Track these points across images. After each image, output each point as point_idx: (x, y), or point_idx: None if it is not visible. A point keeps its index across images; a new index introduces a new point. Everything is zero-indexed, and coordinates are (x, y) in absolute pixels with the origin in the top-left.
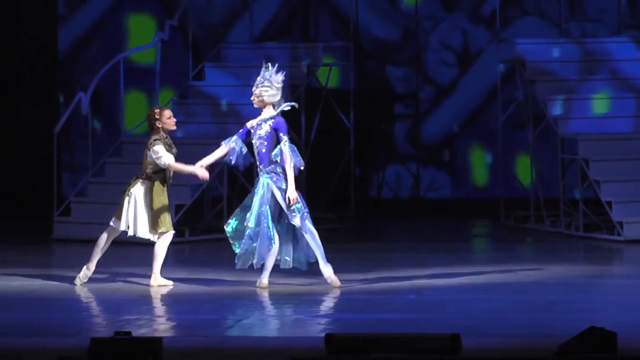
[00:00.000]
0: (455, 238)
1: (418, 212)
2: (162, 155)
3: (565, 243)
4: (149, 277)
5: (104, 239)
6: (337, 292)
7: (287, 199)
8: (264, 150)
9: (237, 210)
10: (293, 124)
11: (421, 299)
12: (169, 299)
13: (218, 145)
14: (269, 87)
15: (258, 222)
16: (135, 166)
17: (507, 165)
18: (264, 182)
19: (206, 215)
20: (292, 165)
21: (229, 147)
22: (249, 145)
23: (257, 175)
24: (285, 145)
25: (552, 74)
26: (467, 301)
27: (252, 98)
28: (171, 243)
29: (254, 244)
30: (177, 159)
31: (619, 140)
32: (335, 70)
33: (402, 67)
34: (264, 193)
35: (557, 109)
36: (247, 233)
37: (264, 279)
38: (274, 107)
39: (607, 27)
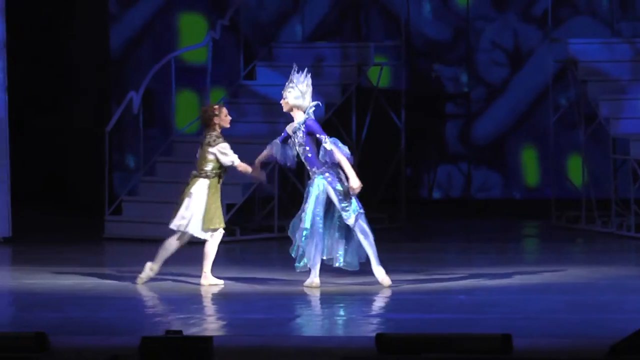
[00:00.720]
0: (506, 238)
1: (469, 213)
2: (229, 153)
3: (616, 244)
4: (200, 276)
5: (173, 245)
6: (387, 292)
7: (351, 190)
8: (310, 155)
9: (298, 213)
10: (344, 124)
11: (472, 299)
12: (220, 298)
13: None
14: (292, 88)
15: (312, 223)
16: (186, 165)
17: (559, 165)
18: (319, 184)
19: (257, 214)
20: (344, 157)
21: (270, 150)
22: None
23: (310, 177)
24: (327, 143)
25: (603, 74)
26: (518, 301)
27: (282, 101)
28: (222, 242)
29: (310, 244)
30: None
31: None
32: (387, 69)
33: (454, 67)
34: (318, 194)
35: (608, 110)
36: (304, 234)
37: (315, 278)
38: (303, 112)
39: None
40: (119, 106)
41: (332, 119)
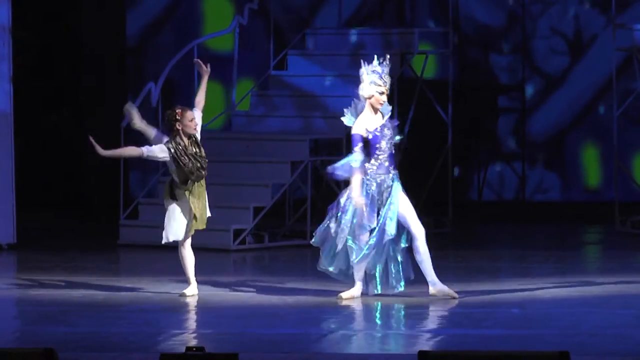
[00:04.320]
0: (564, 245)
1: (523, 217)
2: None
3: None
4: (222, 287)
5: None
6: (433, 305)
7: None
8: (393, 151)
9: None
10: None
11: (526, 312)
12: (246, 311)
13: (302, 141)
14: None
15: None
16: (210, 164)
17: (623, 164)
18: (396, 187)
19: (288, 219)
20: None
21: (360, 170)
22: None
23: (381, 179)
24: None
25: None
26: (577, 315)
27: (384, 96)
28: (249, 249)
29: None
30: (256, 155)
31: None
32: (432, 58)
33: (507, 55)
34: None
35: None
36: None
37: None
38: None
39: None
40: (137, 99)
41: None
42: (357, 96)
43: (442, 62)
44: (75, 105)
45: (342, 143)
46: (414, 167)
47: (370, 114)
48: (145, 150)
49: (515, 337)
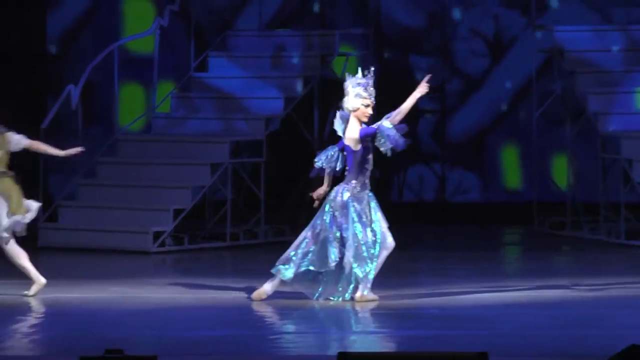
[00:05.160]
0: (484, 246)
1: (443, 218)
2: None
3: (605, 252)
4: (142, 290)
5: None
6: (353, 306)
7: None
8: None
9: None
10: (305, 120)
11: (446, 313)
12: (166, 314)
13: (222, 143)
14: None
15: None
16: (130, 166)
17: (542, 165)
18: (374, 199)
19: (208, 221)
20: None
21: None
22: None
23: (363, 188)
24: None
25: (593, 65)
26: (496, 317)
27: (369, 110)
28: (169, 252)
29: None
30: (176, 157)
31: None
32: (353, 60)
33: (428, 57)
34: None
35: (597, 104)
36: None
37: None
38: None
39: None
40: (56, 101)
41: (292, 114)
42: (279, 96)
43: (363, 63)
44: None
45: (262, 145)
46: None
47: (357, 126)
48: None
49: (435, 337)
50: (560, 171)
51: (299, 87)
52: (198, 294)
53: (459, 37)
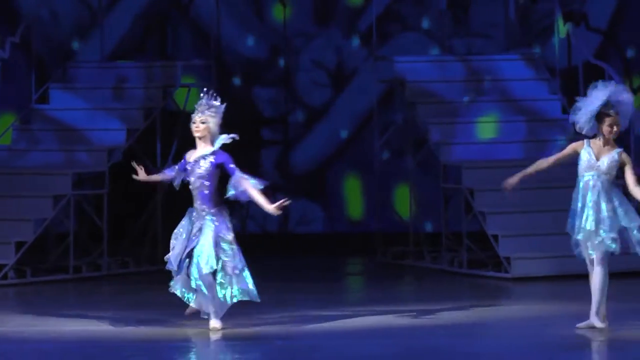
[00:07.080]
0: (328, 277)
1: (287, 248)
2: None
3: (447, 281)
4: None
5: None
6: (194, 337)
7: (275, 213)
8: (206, 192)
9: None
10: (148, 152)
11: (290, 344)
12: (8, 347)
13: (64, 175)
14: (215, 113)
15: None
16: None
17: (385, 196)
18: (209, 225)
19: (51, 253)
20: (255, 189)
21: (168, 176)
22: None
23: (193, 215)
24: (238, 173)
25: (434, 95)
26: (340, 346)
27: (194, 127)
28: (11, 285)
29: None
30: (18, 190)
31: (507, 168)
32: (195, 91)
33: (270, 88)
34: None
35: (439, 134)
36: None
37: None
38: (211, 142)
39: (496, 43)
40: None
41: (134, 146)
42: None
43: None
44: None
45: (105, 176)
46: (174, 201)
47: (200, 143)
48: None
49: None
50: (403, 201)
51: (141, 118)
52: (41, 326)
53: (301, 68)
